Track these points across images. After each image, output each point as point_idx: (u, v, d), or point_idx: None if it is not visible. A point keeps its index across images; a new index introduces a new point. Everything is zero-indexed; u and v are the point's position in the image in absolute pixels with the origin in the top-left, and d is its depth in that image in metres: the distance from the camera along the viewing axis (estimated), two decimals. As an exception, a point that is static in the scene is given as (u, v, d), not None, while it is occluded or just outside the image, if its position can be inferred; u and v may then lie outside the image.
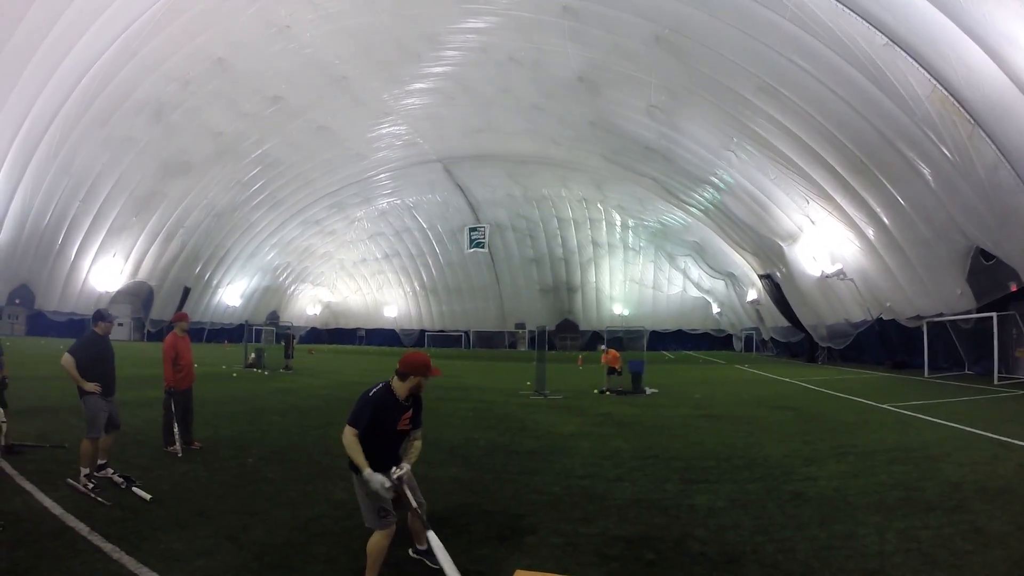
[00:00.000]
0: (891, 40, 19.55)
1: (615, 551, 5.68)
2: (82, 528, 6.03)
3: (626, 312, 71.25)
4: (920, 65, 19.50)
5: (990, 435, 11.71)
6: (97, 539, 5.73)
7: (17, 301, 43.23)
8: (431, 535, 4.64)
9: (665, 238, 63.36)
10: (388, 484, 4.57)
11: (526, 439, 11.57)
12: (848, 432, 12.49)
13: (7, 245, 39.18)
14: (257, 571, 5.16)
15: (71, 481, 7.54)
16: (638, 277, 71.07)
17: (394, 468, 4.70)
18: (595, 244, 69.00)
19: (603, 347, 23.22)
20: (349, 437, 4.63)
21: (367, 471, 4.54)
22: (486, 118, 45.20)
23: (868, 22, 19.57)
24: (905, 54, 19.60)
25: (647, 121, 36.08)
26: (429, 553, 5.11)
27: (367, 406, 4.73)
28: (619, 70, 31.97)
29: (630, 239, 67.53)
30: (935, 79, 19.42)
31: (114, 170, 41.44)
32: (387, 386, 4.88)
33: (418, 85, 40.05)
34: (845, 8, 19.69)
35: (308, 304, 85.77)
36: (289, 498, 7.32)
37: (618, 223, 65.53)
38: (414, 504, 4.86)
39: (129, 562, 5.22)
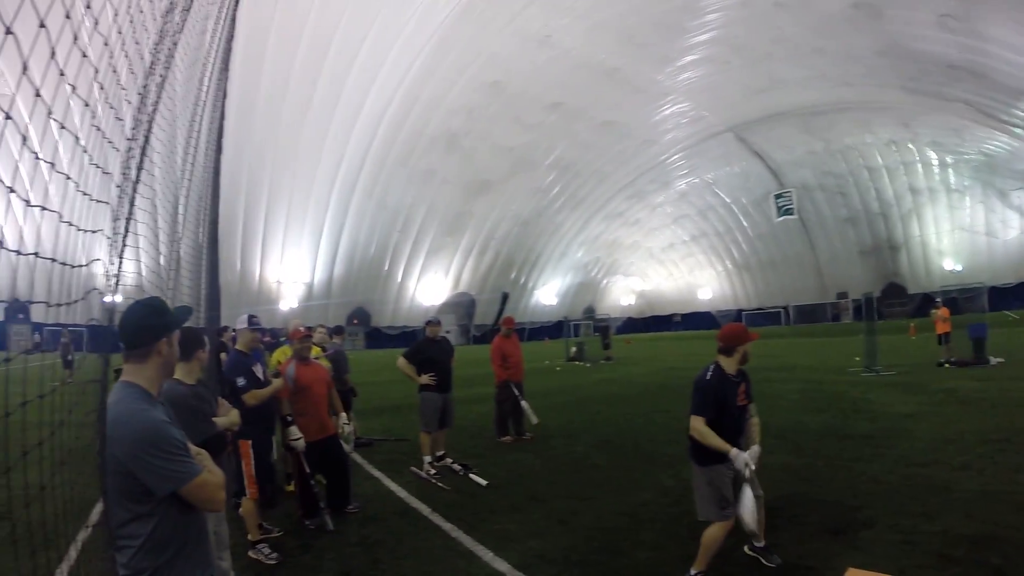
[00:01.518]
0: None
1: (958, 553, 5.04)
2: (424, 509, 6.78)
3: (959, 267, 63.32)
4: None
5: None
6: (438, 519, 6.42)
7: (355, 321, 49.81)
8: (746, 490, 4.55)
9: (992, 171, 54.91)
10: (752, 463, 4.52)
11: (859, 421, 10.79)
12: None
13: (342, 276, 45.14)
14: (585, 553, 5.38)
15: (414, 469, 8.55)
16: (967, 224, 62.42)
17: (745, 456, 4.56)
18: (913, 191, 61.82)
19: (936, 304, 20.92)
20: (700, 427, 4.60)
21: (732, 451, 4.49)
22: (766, 74, 42.99)
23: None
24: None
25: (944, 35, 32.16)
26: (765, 551, 5.02)
27: (709, 392, 4.67)
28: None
29: (952, 179, 59.51)
30: None
31: (423, 199, 46.02)
32: (717, 366, 4.80)
33: (689, 58, 39.36)
34: None
35: (621, 295, 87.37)
36: (617, 484, 7.55)
37: (936, 162, 57.85)
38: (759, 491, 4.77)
39: (466, 540, 5.76)
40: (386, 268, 49.06)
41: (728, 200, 69.49)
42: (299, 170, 36.13)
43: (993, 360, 18.16)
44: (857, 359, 20.55)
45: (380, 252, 47.48)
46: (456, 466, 8.43)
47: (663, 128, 50.16)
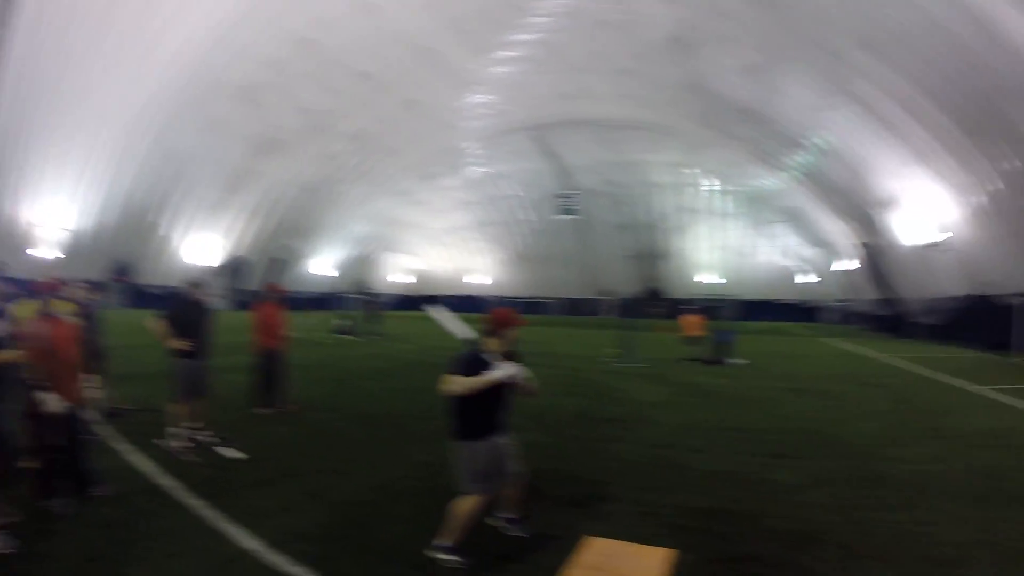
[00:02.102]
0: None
1: (690, 523, 5.68)
2: (175, 486, 6.38)
3: (715, 280, 69.90)
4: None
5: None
6: (187, 496, 6.08)
7: (119, 277, 45.22)
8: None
9: (758, 204, 61.44)
10: (512, 371, 4.67)
11: (610, 406, 11.66)
12: (937, 413, 11.96)
13: (109, 225, 40.94)
14: (339, 528, 5.37)
15: (165, 442, 7.93)
16: (728, 245, 69.52)
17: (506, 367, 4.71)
18: (685, 210, 67.64)
19: (686, 316, 22.87)
20: (451, 382, 4.65)
21: (489, 376, 4.60)
22: (576, 84, 44.53)
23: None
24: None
25: (742, 82, 34.98)
26: (512, 522, 5.23)
27: (462, 363, 4.74)
28: (713, 30, 31.02)
29: (721, 205, 65.96)
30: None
31: (209, 151, 42.85)
32: (479, 348, 4.90)
33: (506, 53, 39.80)
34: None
35: (398, 272, 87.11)
36: (373, 459, 7.58)
37: (709, 188, 64.01)
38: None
39: (216, 517, 5.51)
40: (159, 220, 45.21)
41: (515, 193, 71.65)
42: (81, 104, 32.21)
43: (736, 361, 20.25)
44: (615, 351, 21.81)
45: (155, 202, 43.40)
46: (210, 438, 7.97)
47: (466, 115, 50.44)
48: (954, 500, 6.54)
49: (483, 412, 4.84)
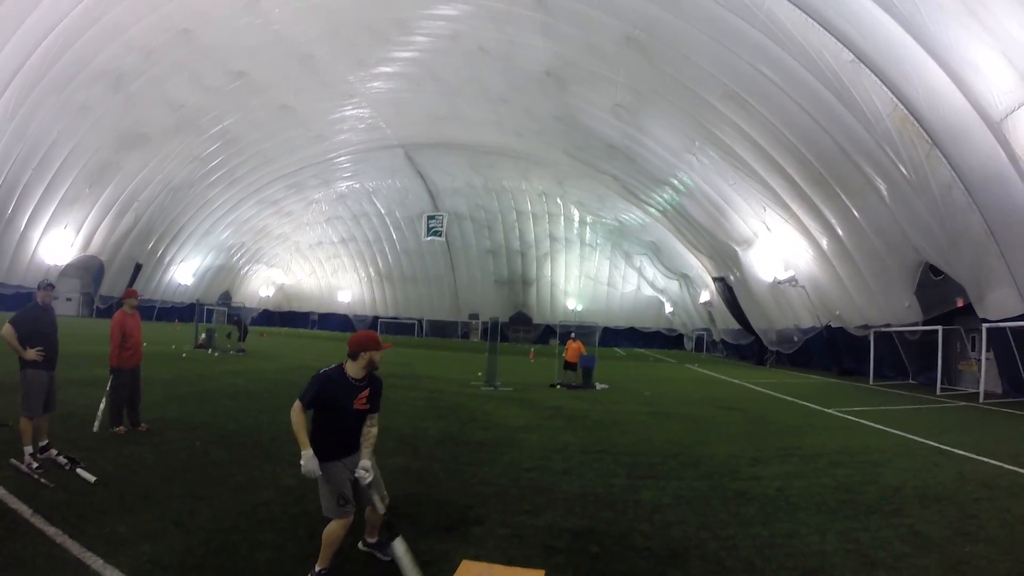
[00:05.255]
0: (857, 57, 19.82)
1: (561, 543, 5.77)
2: (24, 510, 5.86)
3: (580, 307, 71.57)
4: (883, 83, 19.81)
5: (931, 443, 12.08)
6: (40, 522, 5.59)
7: None
8: (397, 543, 4.69)
9: (622, 236, 63.72)
10: (319, 475, 4.64)
11: (476, 430, 11.64)
12: (793, 434, 12.81)
13: None
14: (203, 556, 5.10)
15: (14, 461, 7.30)
16: (593, 273, 71.44)
17: (358, 469, 4.75)
18: (552, 238, 69.16)
19: (572, 336, 23.27)
20: (295, 413, 4.69)
21: (306, 452, 4.59)
22: (451, 106, 44.83)
23: (836, 37, 19.80)
24: (870, 71, 19.88)
25: (612, 120, 36.16)
26: (380, 545, 5.19)
27: (315, 381, 4.75)
28: (587, 67, 31.98)
29: (587, 235, 67.89)
30: (897, 98, 19.74)
31: (70, 139, 40.05)
32: (339, 367, 4.91)
33: (385, 69, 39.60)
34: (814, 22, 19.88)
35: (261, 285, 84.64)
36: (237, 483, 7.26)
37: (576, 219, 65.83)
38: (377, 504, 4.97)
39: (72, 546, 5.11)
40: (8, 212, 41.59)
41: (383, 211, 71.47)
42: None
43: (599, 386, 20.90)
44: (480, 374, 22.01)
45: (6, 190, 39.32)
46: (62, 459, 7.37)
47: (338, 127, 49.75)
48: (814, 514, 6.97)
49: (335, 432, 4.84)
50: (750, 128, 27.78)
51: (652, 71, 29.18)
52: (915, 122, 19.82)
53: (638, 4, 25.14)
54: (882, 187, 23.49)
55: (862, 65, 19.94)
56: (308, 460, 4.56)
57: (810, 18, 19.91)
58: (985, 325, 21.96)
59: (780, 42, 21.56)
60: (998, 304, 21.35)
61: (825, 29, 19.87)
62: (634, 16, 25.98)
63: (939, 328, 24.38)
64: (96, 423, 9.28)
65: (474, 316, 74.32)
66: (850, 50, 19.85)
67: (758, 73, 24.02)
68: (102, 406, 9.46)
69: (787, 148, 26.77)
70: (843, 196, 26.11)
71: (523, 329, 72.53)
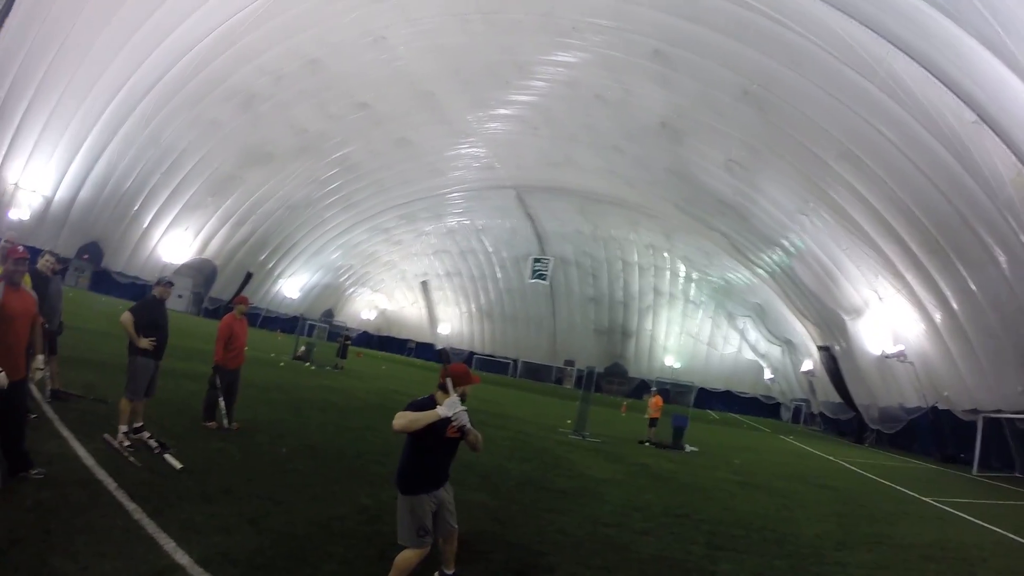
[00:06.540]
0: (980, 117, 18.91)
1: None
2: (110, 483, 6.16)
3: (678, 365, 70.02)
4: (1007, 146, 18.84)
5: (1034, 544, 11.11)
6: (122, 496, 5.85)
7: (86, 256, 44.25)
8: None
9: (727, 296, 62.29)
10: (458, 408, 4.66)
11: (559, 477, 11.46)
12: (885, 521, 12.07)
13: (85, 201, 40.25)
14: (271, 557, 5.20)
15: (107, 436, 7.72)
16: (695, 331, 69.64)
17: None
18: (656, 292, 67.99)
19: (651, 392, 22.80)
20: (398, 416, 4.66)
21: (441, 407, 4.64)
22: (565, 152, 45.29)
23: (958, 96, 18.98)
24: (993, 133, 18.94)
25: (725, 175, 35.74)
26: None
27: (415, 402, 4.78)
28: (703, 120, 31.82)
29: (692, 292, 66.39)
30: (1021, 163, 18.76)
31: (198, 149, 42.54)
32: (431, 397, 4.90)
33: (502, 111, 40.43)
34: (935, 79, 19.13)
35: (364, 308, 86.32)
36: (315, 493, 7.38)
37: (682, 274, 64.56)
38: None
39: (148, 524, 5.31)
40: (135, 208, 44.41)
41: (490, 249, 71.83)
42: (80, 75, 32.06)
43: (689, 448, 20.15)
44: (569, 422, 21.65)
45: (135, 189, 42.58)
46: (153, 442, 7.74)
47: (454, 164, 50.84)
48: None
49: (426, 463, 4.85)
50: (865, 190, 26.84)
51: (768, 127, 28.79)
52: (1040, 188, 18.81)
53: (756, 58, 24.91)
54: (1002, 258, 22.14)
55: (985, 126, 19.01)
56: (450, 405, 4.63)
57: (931, 74, 19.19)
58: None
59: (899, 100, 20.88)
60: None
61: (947, 86, 19.10)
62: (752, 70, 25.77)
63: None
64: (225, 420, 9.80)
65: (570, 362, 73.57)
66: (973, 110, 18.97)
67: (875, 132, 23.28)
68: (221, 404, 9.87)
69: (903, 212, 25.68)
70: (959, 266, 24.64)
71: (618, 381, 71.26)
